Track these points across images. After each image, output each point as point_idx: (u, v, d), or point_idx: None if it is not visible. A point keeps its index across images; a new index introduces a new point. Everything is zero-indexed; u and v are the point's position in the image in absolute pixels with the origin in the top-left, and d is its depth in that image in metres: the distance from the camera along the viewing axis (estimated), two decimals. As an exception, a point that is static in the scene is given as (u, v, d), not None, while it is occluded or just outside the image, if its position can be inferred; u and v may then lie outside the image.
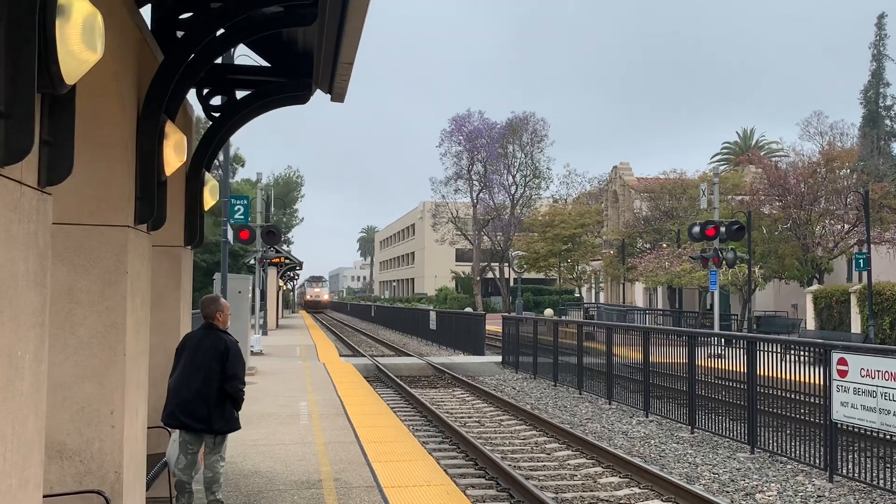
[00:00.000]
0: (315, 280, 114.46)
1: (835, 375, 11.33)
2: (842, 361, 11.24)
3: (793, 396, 13.08)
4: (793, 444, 12.60)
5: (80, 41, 3.38)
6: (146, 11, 7.66)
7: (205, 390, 6.98)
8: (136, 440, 6.03)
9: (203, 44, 6.01)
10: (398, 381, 22.26)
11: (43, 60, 3.19)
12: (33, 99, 3.14)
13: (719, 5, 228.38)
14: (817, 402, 12.15)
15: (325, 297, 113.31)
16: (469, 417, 17.00)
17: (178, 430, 7.26)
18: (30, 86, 3.10)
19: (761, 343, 13.61)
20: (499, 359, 28.20)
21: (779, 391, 13.40)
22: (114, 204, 5.56)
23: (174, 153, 6.09)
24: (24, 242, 3.38)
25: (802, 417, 12.76)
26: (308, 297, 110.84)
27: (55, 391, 5.55)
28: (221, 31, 6.51)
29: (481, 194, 72.15)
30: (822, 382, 11.81)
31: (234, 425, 7.22)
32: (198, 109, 9.59)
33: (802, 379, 12.67)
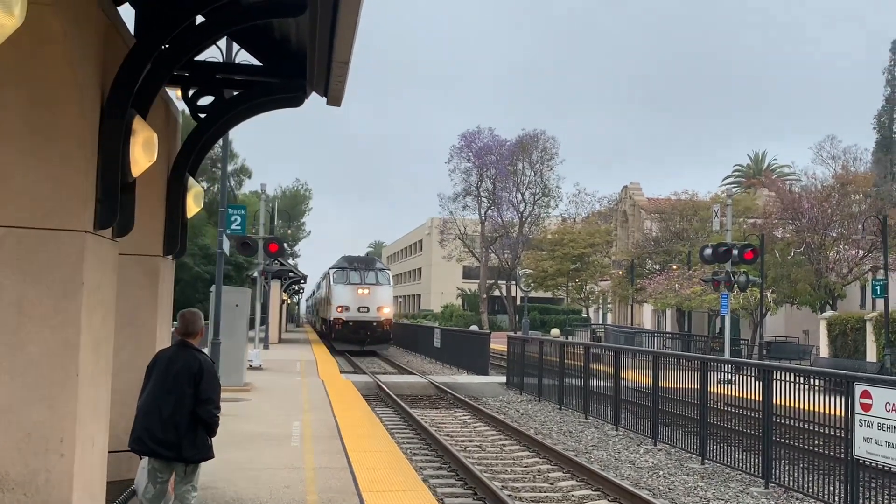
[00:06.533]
0: (358, 266, 46.05)
1: (857, 409, 10.65)
2: (865, 394, 10.56)
3: (811, 428, 12.39)
4: (810, 479, 11.90)
5: (-10, 2, 2.81)
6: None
7: (175, 415, 6.34)
8: (90, 470, 5.43)
9: (178, 31, 5.44)
10: (398, 400, 21.60)
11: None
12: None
13: (729, 29, 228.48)
14: (838, 435, 11.46)
15: (387, 308, 44.72)
16: (470, 441, 16.33)
17: (146, 457, 6.63)
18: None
19: (778, 372, 12.93)
20: (503, 379, 27.51)
21: (796, 422, 12.71)
22: (69, 206, 4.97)
23: (143, 152, 5.51)
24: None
25: (821, 451, 12.07)
26: (337, 308, 43.95)
27: (-2, 415, 4.97)
28: (201, 19, 5.95)
29: (489, 211, 71.59)
30: (843, 415, 11.12)
31: (207, 453, 6.58)
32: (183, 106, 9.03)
33: (821, 410, 11.99)
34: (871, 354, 27.29)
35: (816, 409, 12.09)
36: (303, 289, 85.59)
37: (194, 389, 6.43)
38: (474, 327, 57.94)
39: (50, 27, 4.30)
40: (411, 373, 31.37)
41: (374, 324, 43.01)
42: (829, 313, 32.20)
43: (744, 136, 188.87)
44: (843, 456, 11.12)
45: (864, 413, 10.54)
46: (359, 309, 43.17)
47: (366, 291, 43.74)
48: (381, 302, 43.92)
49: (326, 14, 6.07)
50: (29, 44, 4.21)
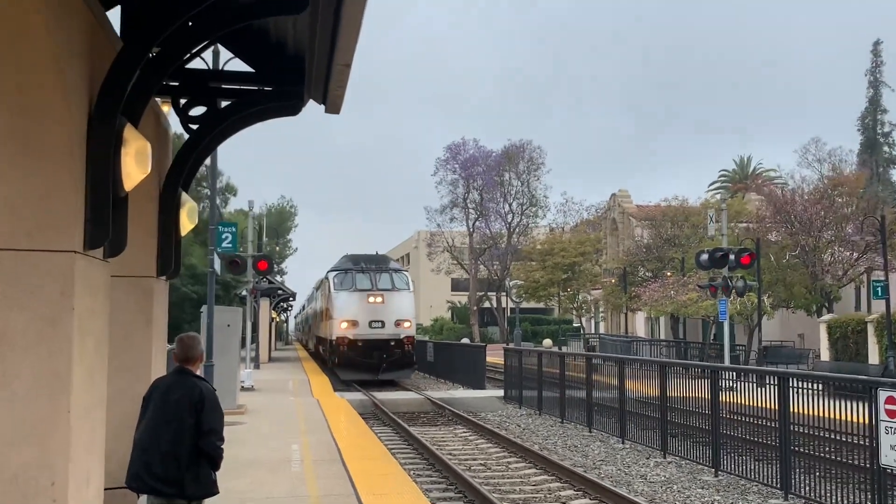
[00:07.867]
0: (367, 266, 33.32)
1: (882, 416, 10.23)
2: (890, 400, 10.15)
3: (831, 437, 11.96)
4: (831, 489, 11.46)
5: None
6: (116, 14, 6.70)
7: (175, 448, 5.85)
8: (85, 514, 4.94)
9: (168, 32, 4.98)
10: (396, 418, 21.08)
11: None
12: None
13: (707, 31, 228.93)
14: (860, 443, 11.04)
15: (408, 322, 32.52)
16: (474, 460, 15.83)
17: (145, 495, 6.13)
18: None
19: (795, 379, 12.52)
20: (500, 393, 27.00)
21: (814, 430, 12.29)
22: (56, 224, 4.48)
23: (135, 164, 5.04)
24: None
25: (843, 460, 11.64)
26: (341, 323, 31.92)
27: (-19, 457, 4.47)
28: (192, 22, 5.50)
29: (477, 223, 71.20)
30: (867, 422, 10.70)
31: (211, 489, 6.08)
32: (176, 126, 8.56)
33: (841, 417, 11.57)
34: (874, 357, 26.97)
35: (837, 417, 11.68)
36: (291, 306, 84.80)
37: (195, 420, 5.94)
38: (465, 340, 57.45)
39: (32, 21, 3.85)
40: (406, 389, 30.79)
41: (392, 343, 31.75)
42: (828, 316, 31.91)
43: (727, 141, 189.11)
44: (868, 465, 10.71)
45: (889, 420, 10.12)
46: (370, 324, 31.85)
47: (379, 300, 32.04)
48: (400, 313, 32.35)
49: (329, 11, 5.63)
50: (8, 39, 3.74)
